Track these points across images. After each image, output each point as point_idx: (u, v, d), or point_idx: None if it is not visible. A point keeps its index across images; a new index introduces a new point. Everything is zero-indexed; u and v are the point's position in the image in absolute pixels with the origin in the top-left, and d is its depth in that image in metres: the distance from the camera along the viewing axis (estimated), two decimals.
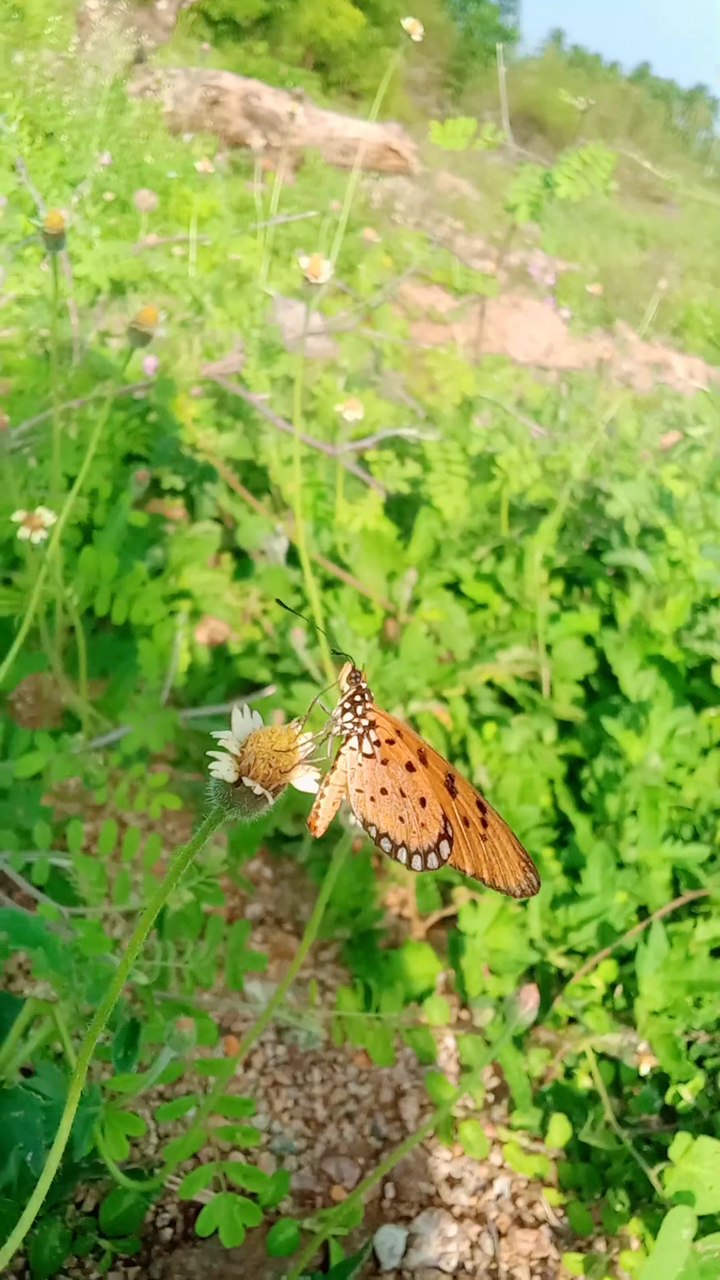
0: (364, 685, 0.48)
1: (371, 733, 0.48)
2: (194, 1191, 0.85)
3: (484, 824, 0.49)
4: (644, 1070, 1.10)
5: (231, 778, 0.41)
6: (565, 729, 1.68)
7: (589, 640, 1.75)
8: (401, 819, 0.48)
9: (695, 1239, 0.93)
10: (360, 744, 0.48)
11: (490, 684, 1.69)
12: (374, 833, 0.49)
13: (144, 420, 1.76)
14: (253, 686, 1.57)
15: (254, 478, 1.92)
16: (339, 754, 0.48)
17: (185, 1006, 0.99)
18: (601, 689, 1.74)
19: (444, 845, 0.48)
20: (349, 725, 0.48)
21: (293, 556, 1.66)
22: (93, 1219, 0.92)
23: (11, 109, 4.25)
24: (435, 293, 4.87)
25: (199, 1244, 0.93)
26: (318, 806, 0.48)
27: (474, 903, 1.28)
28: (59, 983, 0.85)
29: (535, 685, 1.70)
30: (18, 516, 1.06)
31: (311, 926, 0.71)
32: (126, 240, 3.04)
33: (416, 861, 0.49)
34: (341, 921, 1.27)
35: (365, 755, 0.48)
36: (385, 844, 0.49)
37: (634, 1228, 1.06)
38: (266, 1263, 0.93)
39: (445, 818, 0.48)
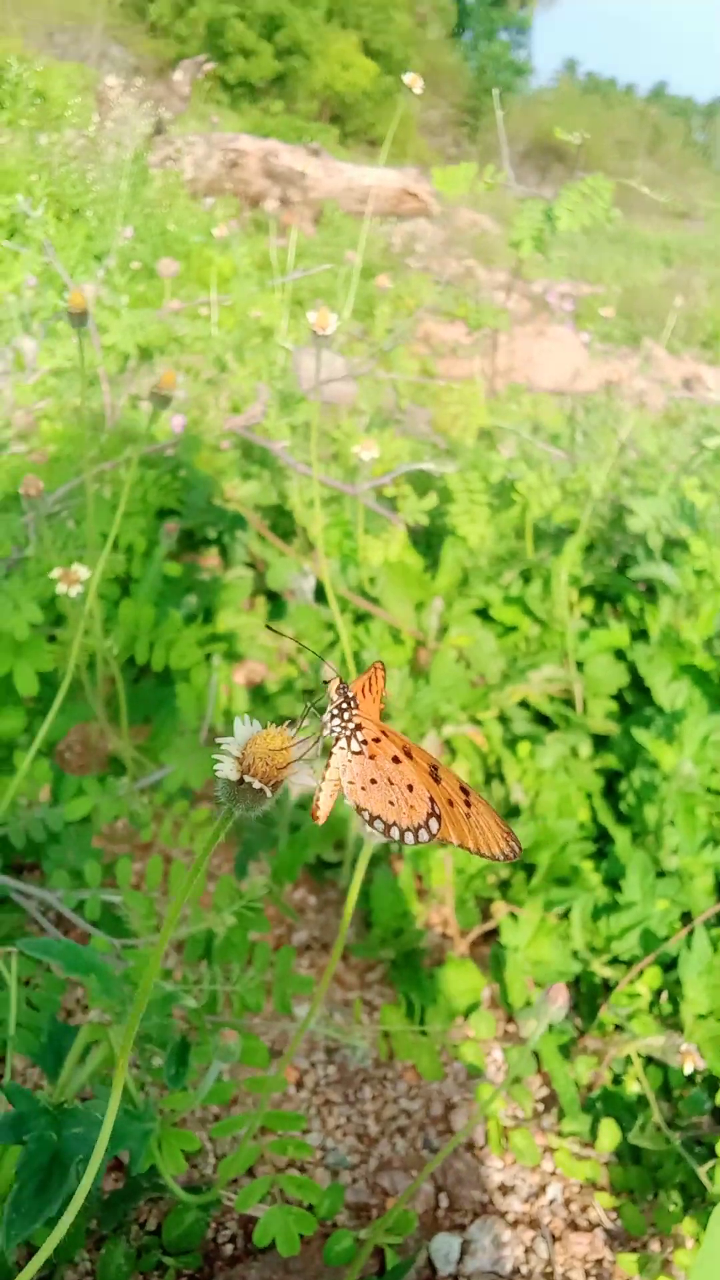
0: (350, 695, 0.54)
1: (358, 734, 0.54)
2: (250, 1204, 0.89)
3: (467, 804, 0.55)
4: (688, 1069, 1.11)
5: (235, 776, 0.47)
6: (601, 743, 1.70)
7: (620, 655, 1.78)
8: (391, 803, 0.55)
9: None
10: (349, 744, 0.54)
11: (524, 704, 1.73)
12: (367, 816, 0.55)
13: (175, 476, 1.85)
14: (292, 722, 1.63)
15: (283, 522, 1.99)
16: (330, 753, 0.54)
17: (235, 1027, 1.04)
18: (635, 702, 1.77)
19: (432, 822, 0.55)
20: (336, 729, 0.54)
21: (322, 594, 1.72)
22: (156, 1237, 0.96)
23: (39, 189, 4.45)
24: (459, 328, 4.95)
25: (259, 1257, 0.97)
26: (317, 799, 0.54)
27: (514, 916, 1.31)
28: (112, 1008, 0.91)
29: (569, 703, 1.73)
30: (55, 574, 1.14)
31: (340, 934, 0.75)
32: (154, 306, 3.17)
33: (409, 837, 0.55)
34: (386, 943, 1.31)
35: (354, 753, 0.54)
36: (379, 825, 0.55)
37: (688, 1227, 1.07)
38: (325, 1272, 0.96)
39: (431, 799, 0.54)
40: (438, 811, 0.55)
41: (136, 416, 2.04)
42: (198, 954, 1.12)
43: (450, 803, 0.55)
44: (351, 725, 0.54)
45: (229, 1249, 0.98)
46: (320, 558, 1.29)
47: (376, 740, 0.54)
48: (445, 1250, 1.02)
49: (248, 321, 2.63)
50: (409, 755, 0.54)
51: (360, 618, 1.76)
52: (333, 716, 0.54)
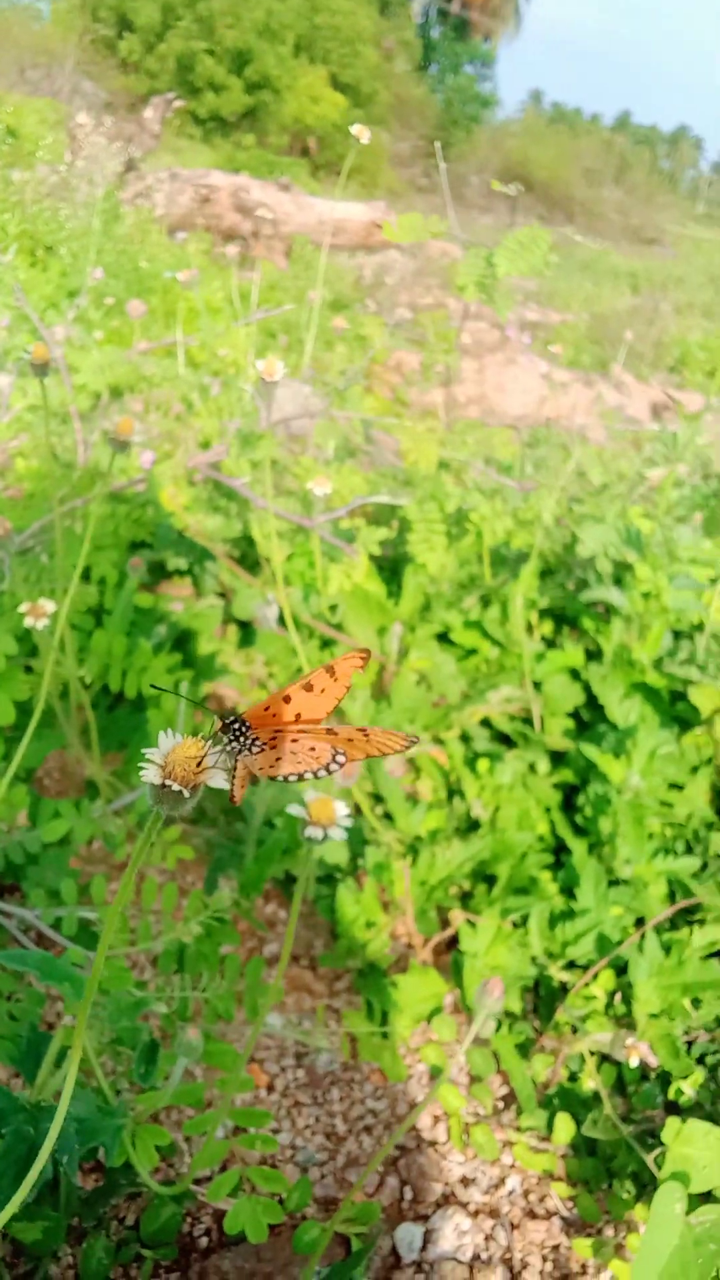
0: (238, 725, 0.63)
1: (255, 744, 0.64)
2: (220, 1196, 0.95)
3: (365, 736, 0.65)
4: (634, 1062, 1.18)
5: (158, 781, 0.54)
6: (559, 759, 1.78)
7: (576, 674, 1.86)
8: (299, 763, 0.65)
9: (688, 1213, 1.01)
10: (250, 749, 0.64)
11: (486, 723, 1.81)
12: (282, 777, 0.66)
13: (145, 510, 1.92)
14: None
15: (252, 553, 2.07)
16: (236, 760, 0.64)
17: (206, 1034, 1.10)
18: (591, 719, 1.85)
19: (339, 757, 0.65)
20: (235, 745, 0.63)
21: (285, 621, 1.79)
22: (134, 1231, 1.02)
23: (11, 227, 4.54)
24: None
25: (232, 1248, 1.03)
26: (231, 791, 0.63)
27: (471, 924, 1.38)
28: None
29: (528, 721, 1.81)
30: (23, 609, 1.21)
31: (288, 935, 0.82)
32: (127, 342, 3.26)
33: (322, 773, 0.65)
34: (352, 953, 1.38)
35: (255, 752, 0.64)
36: (294, 778, 0.66)
37: (640, 1213, 1.14)
38: (294, 1260, 1.02)
39: (332, 746, 0.65)
40: (340, 750, 0.65)
41: (108, 453, 2.11)
42: (171, 967, 1.18)
43: (350, 740, 0.65)
44: (248, 741, 0.64)
45: (204, 1241, 1.04)
46: (280, 587, 1.36)
47: (273, 738, 0.64)
48: (409, 1239, 1.08)
49: (216, 359, 2.71)
50: (304, 733, 0.64)
51: (327, 643, 1.84)
52: (230, 741, 0.63)
